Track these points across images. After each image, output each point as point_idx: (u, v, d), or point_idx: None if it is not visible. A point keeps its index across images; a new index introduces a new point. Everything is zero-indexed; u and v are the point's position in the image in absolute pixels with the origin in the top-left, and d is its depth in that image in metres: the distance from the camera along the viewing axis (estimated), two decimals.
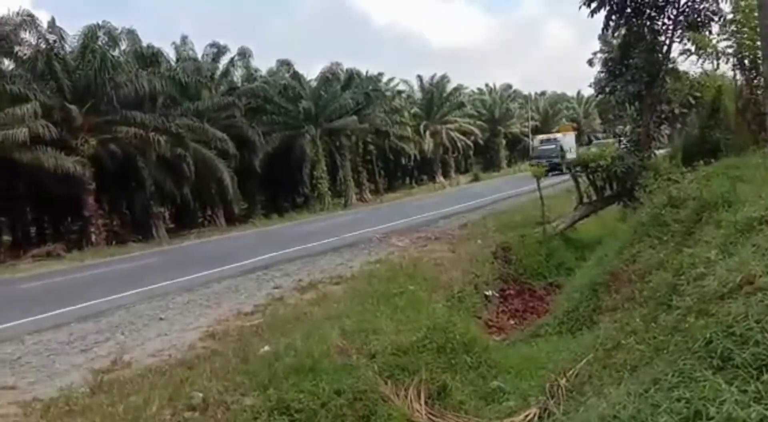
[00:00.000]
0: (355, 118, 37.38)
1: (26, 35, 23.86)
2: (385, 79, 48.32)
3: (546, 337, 8.40)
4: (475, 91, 66.85)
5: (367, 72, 42.76)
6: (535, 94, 77.06)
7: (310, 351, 6.54)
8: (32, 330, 8.89)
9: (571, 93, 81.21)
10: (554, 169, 39.61)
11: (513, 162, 65.78)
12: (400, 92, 51.81)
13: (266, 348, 7.01)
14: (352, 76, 39.61)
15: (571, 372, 5.44)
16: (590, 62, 22.23)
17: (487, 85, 69.29)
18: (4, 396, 6.32)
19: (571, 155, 44.26)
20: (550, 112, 73.33)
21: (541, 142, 49.10)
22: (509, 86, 69.94)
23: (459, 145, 53.71)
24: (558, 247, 14.14)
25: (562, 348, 7.07)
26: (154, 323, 8.90)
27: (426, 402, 6.10)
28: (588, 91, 65.12)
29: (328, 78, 37.65)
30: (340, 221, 25.08)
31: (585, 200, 15.71)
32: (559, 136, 49.60)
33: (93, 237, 24.39)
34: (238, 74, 35.45)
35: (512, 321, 11.03)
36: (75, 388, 6.27)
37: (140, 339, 8.08)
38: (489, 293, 11.79)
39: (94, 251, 22.39)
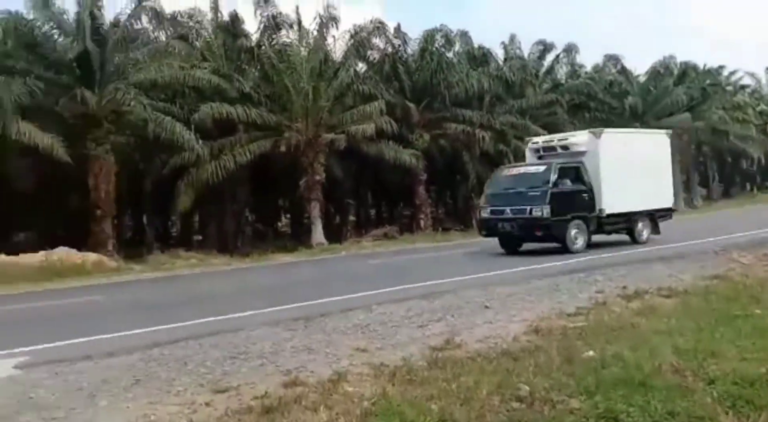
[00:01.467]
0: (687, 115, 34.57)
1: (377, 41, 27.64)
2: (725, 73, 43.42)
3: None
4: None
5: (704, 65, 39.09)
6: None
7: (639, 364, 6.24)
8: (379, 302, 10.21)
9: None
10: (531, 234, 17.05)
11: None
12: (743, 87, 46.15)
13: (590, 352, 6.87)
14: (686, 69, 36.98)
15: None
16: None
17: None
18: (358, 357, 7.25)
19: (623, 201, 17.28)
20: None
21: (535, 152, 18.98)
22: None
23: None
24: None
25: None
26: (479, 310, 9.43)
27: None
28: None
29: (659, 72, 35.68)
30: (670, 228, 23.16)
31: None
32: (577, 140, 18.09)
33: (422, 223, 27.42)
34: (562, 71, 35.66)
35: None
36: (414, 360, 6.87)
37: (468, 324, 8.59)
38: None
39: (423, 236, 25.07)
